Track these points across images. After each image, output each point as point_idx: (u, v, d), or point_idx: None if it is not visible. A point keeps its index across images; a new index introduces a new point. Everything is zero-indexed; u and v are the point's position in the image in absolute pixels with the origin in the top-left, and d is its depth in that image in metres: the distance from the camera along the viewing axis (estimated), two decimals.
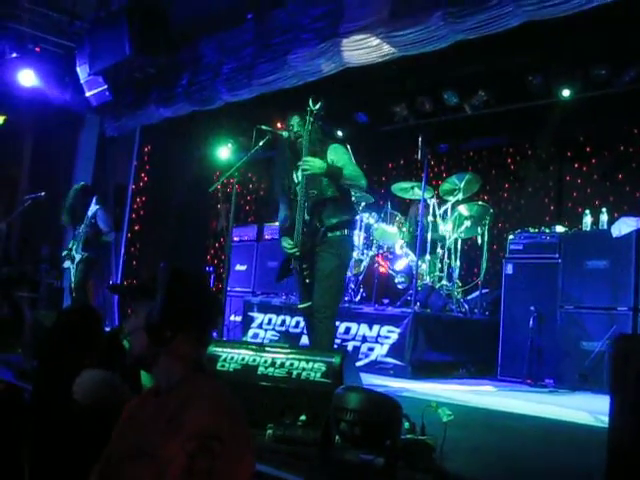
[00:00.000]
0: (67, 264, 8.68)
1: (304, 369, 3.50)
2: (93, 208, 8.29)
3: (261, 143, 5.72)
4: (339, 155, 5.58)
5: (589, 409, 5.49)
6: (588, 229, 7.61)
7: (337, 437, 3.01)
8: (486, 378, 7.62)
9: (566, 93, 8.68)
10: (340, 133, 9.86)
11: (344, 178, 5.45)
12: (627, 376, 2.23)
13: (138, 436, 2.13)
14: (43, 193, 9.40)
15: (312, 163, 5.37)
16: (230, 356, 3.74)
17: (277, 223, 9.74)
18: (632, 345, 2.26)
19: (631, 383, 2.21)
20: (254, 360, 3.66)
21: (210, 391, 2.14)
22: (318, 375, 3.46)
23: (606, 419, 4.73)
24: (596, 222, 7.62)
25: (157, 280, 2.28)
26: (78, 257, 8.41)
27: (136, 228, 11.73)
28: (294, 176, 5.61)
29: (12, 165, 12.60)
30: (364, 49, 7.37)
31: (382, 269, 8.72)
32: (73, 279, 8.58)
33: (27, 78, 10.80)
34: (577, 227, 7.89)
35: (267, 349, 3.74)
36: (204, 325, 2.31)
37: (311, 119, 5.46)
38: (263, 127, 5.69)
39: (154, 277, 2.28)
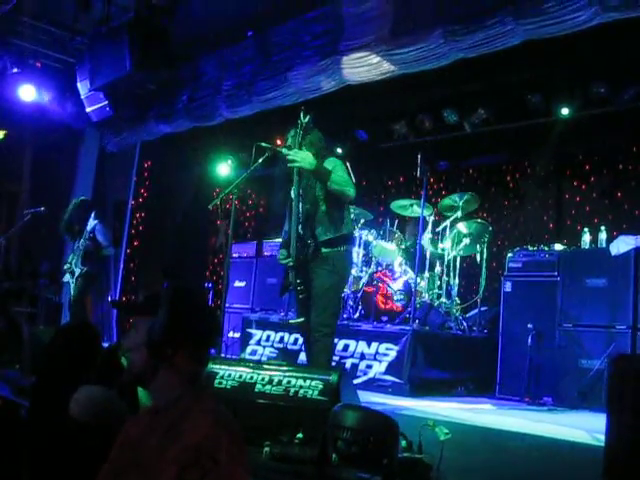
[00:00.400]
0: (67, 278, 8.69)
1: (301, 387, 3.50)
2: (92, 223, 8.31)
3: (260, 160, 5.72)
4: (333, 164, 5.55)
5: (587, 428, 5.47)
6: (587, 247, 7.61)
7: (334, 455, 3.00)
8: (484, 396, 7.59)
9: (565, 111, 8.72)
10: (340, 150, 9.86)
11: (331, 181, 5.41)
12: (624, 395, 2.23)
13: (134, 452, 2.14)
14: (43, 208, 9.41)
15: (302, 156, 5.36)
16: (228, 373, 3.73)
17: (276, 240, 9.80)
18: (629, 365, 2.25)
19: (628, 402, 2.21)
20: (251, 377, 3.65)
21: (207, 407, 2.15)
22: (315, 393, 3.45)
23: (603, 438, 4.75)
24: (595, 240, 7.62)
25: (160, 297, 2.30)
26: (77, 271, 8.42)
27: (135, 244, 11.73)
28: (291, 190, 5.60)
29: (12, 180, 12.62)
30: (364, 67, 7.42)
31: (381, 286, 8.71)
32: (72, 293, 8.58)
33: (28, 93, 10.84)
34: (576, 245, 7.88)
35: (264, 367, 3.74)
36: (204, 343, 2.33)
37: (301, 132, 5.47)
38: (262, 144, 5.70)
39: (156, 294, 2.29)
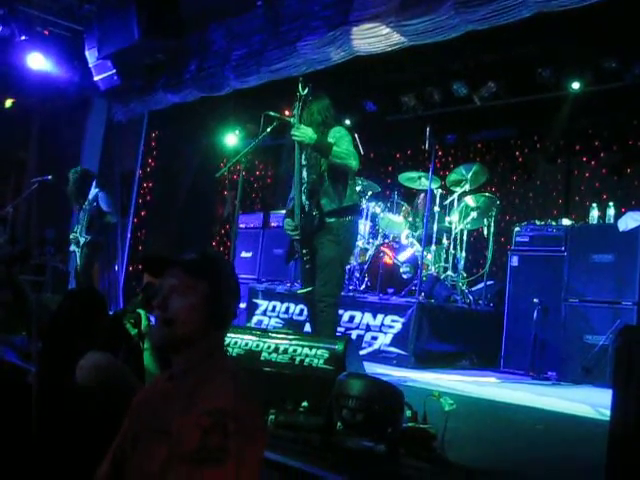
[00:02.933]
0: (73, 247, 8.71)
1: (307, 355, 3.51)
2: (94, 191, 8.34)
3: (268, 129, 5.69)
4: (338, 135, 5.52)
5: (591, 402, 5.49)
6: (595, 223, 7.59)
7: (339, 424, 3.02)
8: (489, 369, 7.62)
9: (576, 86, 8.64)
10: (348, 121, 9.81)
11: (332, 155, 5.37)
12: (630, 368, 2.23)
13: (152, 417, 2.13)
14: (50, 176, 9.42)
15: (303, 131, 5.34)
16: (234, 341, 3.74)
17: (283, 211, 9.79)
18: (636, 337, 2.25)
19: (634, 375, 2.21)
20: (257, 346, 3.67)
21: (228, 372, 2.15)
22: (321, 362, 3.46)
23: (608, 412, 4.77)
24: (603, 216, 7.59)
25: (210, 260, 2.27)
26: (82, 240, 8.44)
27: (142, 213, 11.73)
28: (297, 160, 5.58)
29: (20, 148, 12.63)
30: (374, 38, 7.35)
31: (387, 258, 8.71)
32: (78, 262, 8.61)
33: (36, 61, 10.81)
34: (584, 221, 7.86)
35: (271, 335, 3.75)
36: (235, 310, 2.32)
37: (300, 104, 5.44)
38: (271, 114, 5.66)
39: (207, 256, 2.26)
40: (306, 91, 5.43)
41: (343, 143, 5.48)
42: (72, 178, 8.70)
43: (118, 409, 2.99)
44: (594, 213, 7.63)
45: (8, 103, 11.88)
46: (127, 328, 3.75)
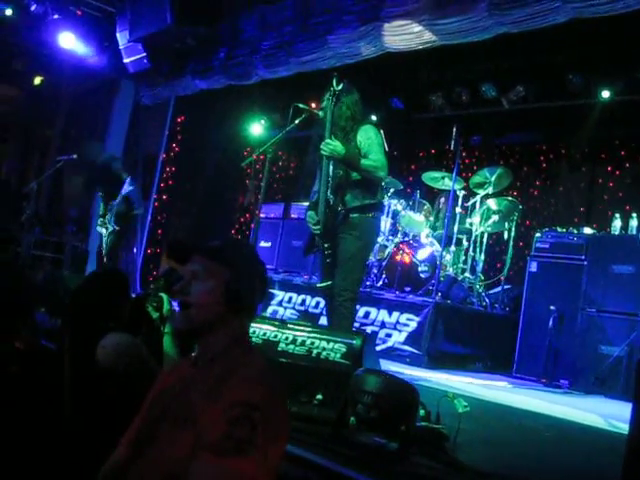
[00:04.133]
0: (100, 229, 8.81)
1: (324, 349, 3.51)
2: (127, 188, 8.44)
3: (297, 121, 5.69)
4: (368, 138, 5.50)
5: (603, 413, 5.47)
6: (617, 233, 7.54)
7: (352, 418, 3.02)
8: (501, 374, 7.59)
9: (606, 94, 8.59)
10: (374, 117, 9.80)
11: (361, 169, 5.39)
12: None
13: (176, 402, 2.14)
14: (75, 156, 9.46)
15: (332, 147, 5.32)
16: (252, 330, 3.75)
17: (304, 203, 9.79)
18: None
19: None
20: (275, 336, 3.67)
21: (256, 364, 2.16)
22: (338, 356, 3.47)
23: (620, 425, 4.76)
24: (625, 227, 7.53)
25: (233, 247, 2.31)
26: (111, 228, 8.57)
27: (164, 197, 11.78)
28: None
29: (46, 126, 12.70)
30: (405, 35, 7.33)
31: (406, 257, 8.71)
32: (104, 246, 8.72)
33: (67, 40, 10.87)
34: (605, 230, 7.82)
35: (289, 326, 3.75)
36: (260, 299, 2.36)
37: (333, 99, 5.43)
38: (300, 105, 5.67)
39: (232, 242, 2.28)
40: (340, 87, 5.41)
41: (372, 150, 5.46)
42: (107, 164, 8.77)
43: (136, 391, 3.02)
44: (616, 223, 7.58)
45: (37, 80, 11.97)
46: (149, 311, 3.77)
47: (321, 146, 5.36)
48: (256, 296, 2.29)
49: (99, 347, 3.25)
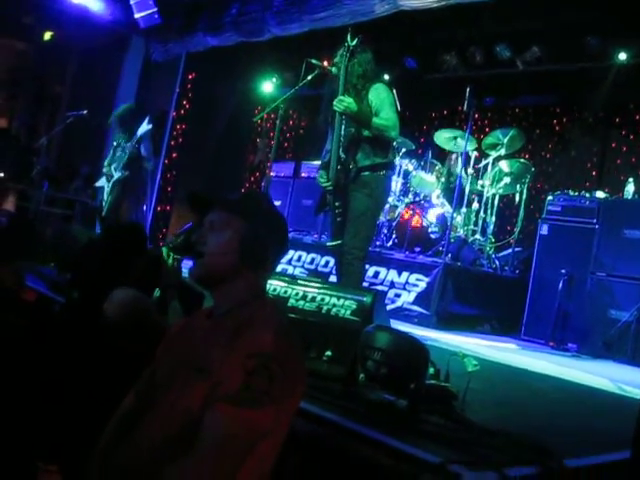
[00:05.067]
0: (102, 182, 8.72)
1: (334, 305, 3.49)
2: (145, 127, 8.26)
3: (309, 77, 5.65)
4: (380, 97, 5.45)
5: (611, 377, 5.47)
6: (629, 197, 7.49)
7: (362, 375, 3.02)
8: (509, 336, 7.60)
9: (623, 56, 8.46)
10: (387, 77, 9.70)
11: (372, 127, 5.35)
12: None
13: (191, 353, 2.14)
14: (85, 111, 9.42)
15: (346, 103, 5.27)
16: None
17: (315, 162, 9.74)
18: None
19: None
20: (285, 292, 3.66)
21: (273, 316, 2.16)
22: (348, 312, 3.45)
23: (628, 388, 4.76)
24: (638, 191, 7.49)
25: (252, 200, 2.31)
26: (117, 175, 8.43)
27: (174, 155, 11.74)
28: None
29: (56, 82, 12.64)
30: None
31: (416, 217, 8.68)
32: (106, 198, 8.61)
33: None
34: (618, 195, 7.77)
35: (299, 282, 3.73)
36: (279, 255, 2.35)
37: (347, 55, 5.37)
38: (313, 61, 5.61)
39: (251, 195, 2.27)
40: (355, 42, 5.35)
41: (384, 109, 5.42)
42: (123, 111, 8.69)
43: (142, 345, 3.03)
44: (629, 188, 7.53)
45: (47, 36, 11.89)
46: (166, 267, 3.76)
47: (334, 102, 5.32)
48: (273, 250, 2.28)
49: (107, 301, 3.25)
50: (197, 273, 2.24)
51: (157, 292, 3.73)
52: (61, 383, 3.15)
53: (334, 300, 3.52)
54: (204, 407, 1.96)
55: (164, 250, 3.87)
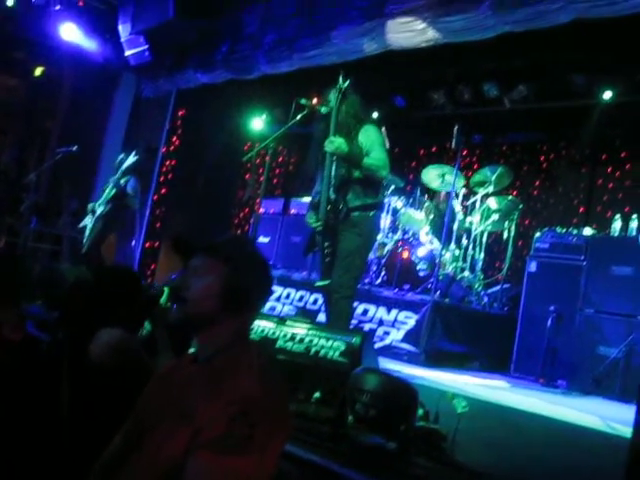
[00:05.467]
0: (86, 220, 8.73)
1: (323, 346, 3.50)
2: (130, 160, 8.32)
3: (299, 117, 5.70)
4: (370, 138, 5.52)
5: (601, 415, 5.47)
6: (616, 234, 7.53)
7: (351, 417, 3.01)
8: (499, 373, 7.58)
9: (607, 95, 8.54)
10: (375, 114, 9.78)
11: (363, 167, 5.41)
12: None
13: (175, 398, 2.14)
14: (75, 147, 9.43)
15: (337, 144, 5.35)
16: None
17: (304, 198, 9.77)
18: None
19: None
20: (274, 333, 3.66)
21: (256, 361, 2.16)
22: (337, 354, 3.46)
23: (618, 427, 4.75)
24: (625, 228, 7.53)
25: (236, 245, 2.31)
26: (100, 210, 8.44)
27: (163, 191, 11.74)
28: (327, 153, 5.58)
29: (46, 117, 12.66)
30: (409, 32, 7.30)
31: (405, 254, 8.70)
32: (88, 234, 8.61)
33: (68, 31, 10.82)
34: (605, 231, 7.81)
35: (288, 323, 3.74)
36: (263, 299, 2.35)
37: (339, 96, 5.43)
38: (302, 101, 5.66)
39: (235, 239, 2.28)
40: (346, 84, 5.41)
41: (374, 149, 5.49)
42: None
43: (130, 386, 3.01)
44: (616, 225, 7.57)
45: (38, 71, 11.92)
46: (160, 308, 3.76)
47: (325, 143, 5.37)
48: (256, 294, 2.28)
49: (92, 343, 3.24)
50: (179, 318, 2.26)
51: (147, 326, 3.72)
52: (46, 423, 3.13)
53: (323, 341, 3.53)
54: (187, 453, 1.95)
55: (166, 290, 3.87)
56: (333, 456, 2.74)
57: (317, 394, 3.38)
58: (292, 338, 3.61)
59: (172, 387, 2.21)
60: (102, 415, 2.92)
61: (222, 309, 2.19)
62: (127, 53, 10.61)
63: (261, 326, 3.69)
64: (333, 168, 5.44)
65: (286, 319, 3.93)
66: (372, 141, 5.51)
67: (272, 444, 2.01)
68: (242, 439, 1.91)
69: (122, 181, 8.52)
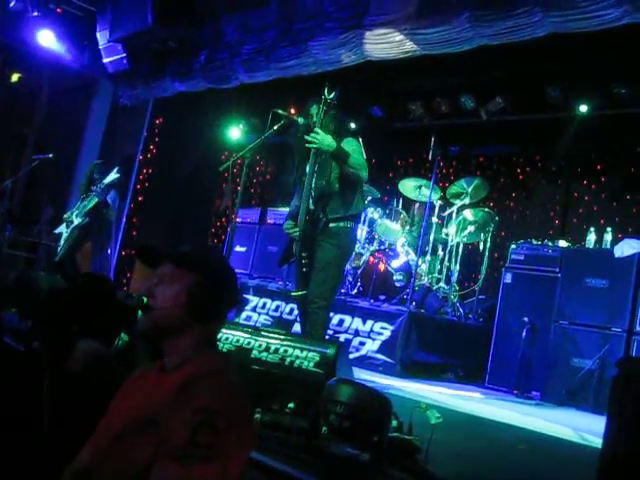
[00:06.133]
0: (61, 229, 8.67)
1: (298, 357, 3.49)
2: (113, 176, 8.29)
3: (276, 127, 5.70)
4: (351, 148, 5.57)
5: (574, 426, 5.49)
6: (591, 247, 7.59)
7: (324, 428, 3.00)
8: (474, 384, 7.62)
9: (584, 108, 8.61)
10: (353, 125, 9.80)
11: (348, 165, 5.46)
12: (625, 399, 2.22)
13: (141, 408, 2.13)
14: (51, 155, 9.37)
15: (322, 139, 5.37)
16: (225, 337, 3.73)
17: (281, 208, 9.76)
18: (633, 369, 2.24)
19: (628, 406, 2.20)
20: (249, 343, 3.65)
21: (219, 368, 2.17)
22: (311, 364, 3.45)
23: (591, 438, 4.77)
24: (599, 241, 7.59)
25: (201, 254, 2.31)
26: (77, 221, 8.39)
27: (139, 199, 11.68)
28: (306, 165, 5.59)
29: (23, 124, 12.58)
30: (387, 44, 7.34)
31: (381, 265, 8.72)
32: (62, 243, 8.55)
33: (46, 38, 10.78)
34: (580, 244, 7.87)
35: (263, 333, 3.73)
36: (229, 307, 2.35)
37: (324, 108, 5.44)
38: (279, 112, 5.68)
39: (201, 249, 2.29)
40: (332, 95, 5.42)
41: (356, 154, 5.56)
42: (97, 167, 8.73)
43: (103, 395, 3.00)
44: (591, 237, 7.63)
45: (15, 78, 11.85)
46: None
47: (311, 136, 5.38)
48: (222, 304, 2.28)
49: (70, 354, 3.23)
50: (145, 326, 2.24)
51: (124, 337, 3.70)
52: (20, 432, 3.10)
53: (297, 352, 3.52)
54: (154, 459, 1.95)
55: (145, 300, 3.85)
56: (306, 467, 2.73)
57: (291, 405, 3.37)
58: (267, 348, 3.60)
59: (140, 395, 2.21)
60: (77, 424, 2.91)
61: (188, 318, 2.20)
62: (105, 60, 10.58)
63: (236, 336, 3.68)
64: (314, 180, 5.46)
65: (261, 329, 3.92)
66: (353, 150, 5.56)
67: (237, 453, 2.00)
68: (206, 448, 1.91)
69: (108, 197, 8.49)
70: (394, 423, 3.22)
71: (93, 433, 2.36)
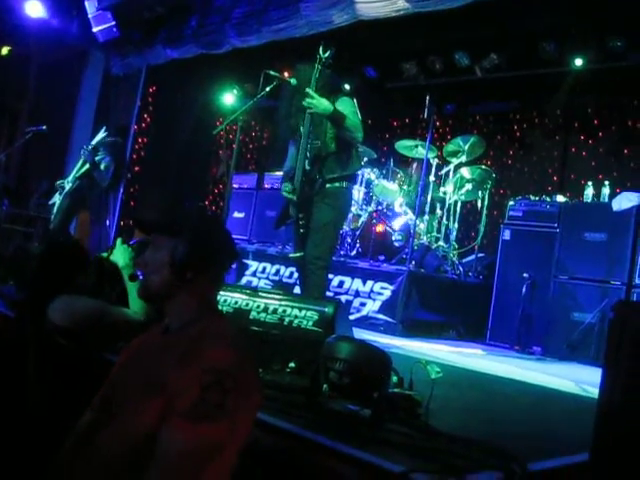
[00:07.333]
0: (55, 198, 8.64)
1: (296, 317, 3.50)
2: (99, 136, 8.23)
3: (268, 89, 5.66)
4: (346, 108, 5.54)
5: (575, 379, 5.52)
6: (589, 201, 7.58)
7: (325, 386, 3.01)
8: (475, 341, 7.65)
9: (579, 62, 8.55)
10: (347, 86, 9.72)
11: (344, 127, 5.43)
12: (621, 343, 2.22)
13: (147, 369, 2.18)
14: (45, 127, 9.31)
15: (318, 102, 5.33)
16: (223, 299, 3.73)
17: (277, 173, 9.72)
18: (629, 312, 2.24)
19: (624, 350, 2.20)
20: (247, 304, 3.65)
21: (225, 330, 2.22)
22: (310, 323, 3.46)
23: (592, 390, 4.79)
24: (597, 195, 7.58)
25: (182, 217, 2.39)
26: (68, 186, 8.35)
27: (136, 169, 11.63)
28: (300, 124, 5.56)
29: (15, 97, 12.50)
30: (378, 2, 7.27)
31: (380, 226, 8.71)
32: (55, 212, 8.53)
33: (34, 9, 10.65)
34: (578, 198, 7.86)
35: (260, 294, 3.73)
36: (224, 268, 2.40)
37: (319, 67, 5.40)
38: (271, 73, 5.63)
39: (179, 213, 2.35)
40: (327, 54, 5.37)
41: (352, 115, 5.51)
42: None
43: (94, 350, 3.04)
44: (589, 191, 7.63)
45: (4, 51, 11.74)
46: (115, 268, 3.81)
47: (307, 100, 5.34)
48: (212, 265, 2.32)
49: (49, 308, 3.30)
50: (141, 293, 2.36)
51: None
52: (15, 399, 3.13)
53: (296, 312, 3.53)
54: (160, 422, 1.99)
55: (118, 241, 3.96)
56: (308, 425, 2.74)
57: (292, 364, 3.38)
58: (265, 309, 3.60)
59: (144, 357, 2.26)
60: (70, 383, 2.94)
61: (175, 280, 2.25)
62: (95, 29, 10.48)
63: (234, 298, 3.68)
64: (309, 140, 5.43)
65: (258, 290, 3.92)
66: (348, 111, 5.52)
67: (244, 412, 2.05)
68: (215, 407, 1.96)
69: (97, 158, 8.43)
70: (394, 379, 3.22)
71: (94, 396, 2.37)
